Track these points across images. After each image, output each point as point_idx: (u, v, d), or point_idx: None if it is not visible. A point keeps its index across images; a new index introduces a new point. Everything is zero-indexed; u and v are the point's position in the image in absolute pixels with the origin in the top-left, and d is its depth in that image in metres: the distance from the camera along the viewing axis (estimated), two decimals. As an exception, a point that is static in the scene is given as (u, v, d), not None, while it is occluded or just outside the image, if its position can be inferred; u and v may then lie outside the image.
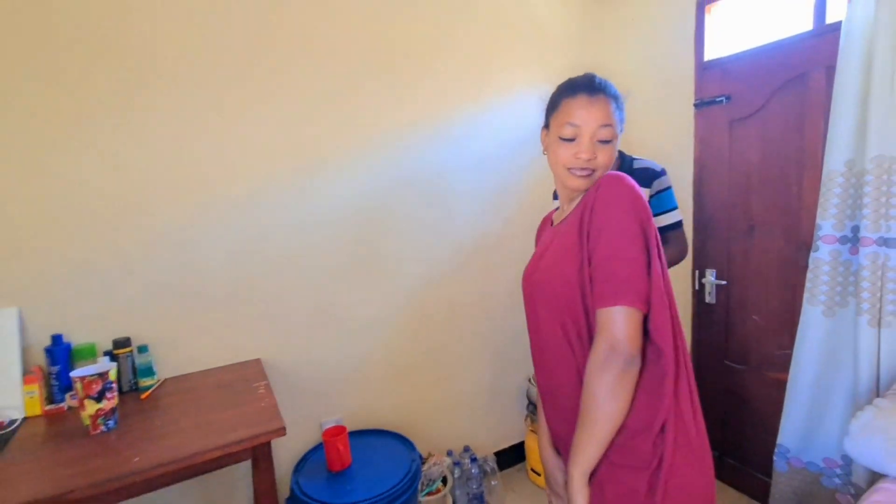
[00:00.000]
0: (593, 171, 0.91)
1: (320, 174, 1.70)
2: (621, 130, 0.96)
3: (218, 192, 1.55)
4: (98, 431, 1.15)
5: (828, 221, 1.46)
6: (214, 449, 1.04)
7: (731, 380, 1.98)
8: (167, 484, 1.04)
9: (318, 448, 1.70)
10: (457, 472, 1.96)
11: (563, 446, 0.95)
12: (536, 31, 2.15)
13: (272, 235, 1.65)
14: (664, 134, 2.11)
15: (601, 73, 2.52)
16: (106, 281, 1.42)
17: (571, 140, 0.91)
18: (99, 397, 1.14)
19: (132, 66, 1.41)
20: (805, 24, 1.62)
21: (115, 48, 1.38)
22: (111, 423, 1.17)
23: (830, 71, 1.52)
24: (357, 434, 1.76)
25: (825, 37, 1.55)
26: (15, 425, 1.22)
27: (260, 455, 1.13)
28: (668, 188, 1.62)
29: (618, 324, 0.78)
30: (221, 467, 1.09)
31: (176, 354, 1.52)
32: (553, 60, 2.21)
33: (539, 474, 2.13)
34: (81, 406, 1.14)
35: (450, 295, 2.02)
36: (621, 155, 1.44)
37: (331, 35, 1.68)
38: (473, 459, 2.00)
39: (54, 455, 1.07)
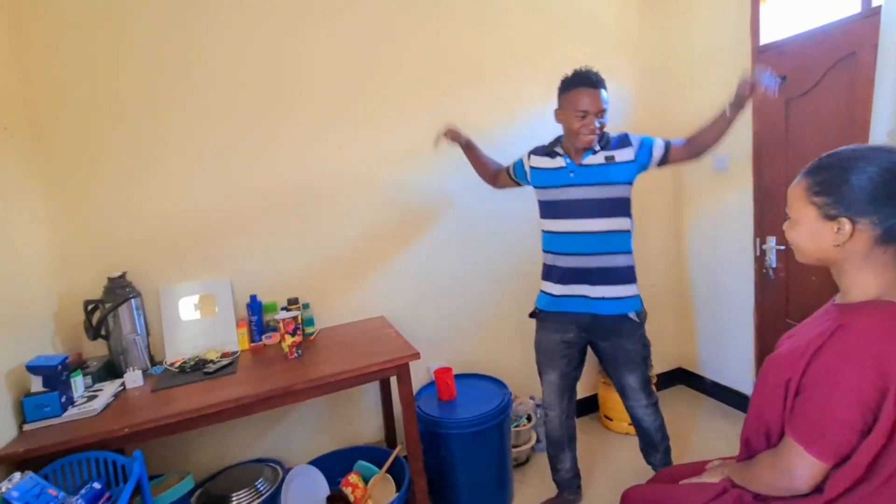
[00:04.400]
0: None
1: (423, 171, 2.15)
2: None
3: (351, 189, 2.05)
4: (293, 357, 1.69)
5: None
6: (374, 364, 1.53)
7: (793, 337, 2.16)
8: (341, 388, 1.54)
9: (430, 385, 2.17)
10: (539, 413, 2.35)
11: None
12: (595, 33, 2.41)
13: (388, 221, 2.12)
14: (723, 114, 2.30)
15: (663, 64, 2.76)
16: (281, 258, 1.97)
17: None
18: (293, 333, 1.68)
19: (288, 98, 1.93)
20: (854, 6, 1.77)
21: (274, 84, 1.91)
22: (300, 351, 1.70)
23: (877, 49, 1.67)
24: (459, 376, 2.21)
25: (872, 18, 1.70)
26: (236, 355, 1.79)
27: (402, 372, 1.60)
28: (643, 136, 1.73)
29: (803, 470, 0.83)
30: (377, 379, 1.58)
31: (326, 311, 2.06)
32: (618, 55, 2.47)
33: (611, 420, 2.46)
34: (283, 338, 1.69)
35: (531, 258, 2.40)
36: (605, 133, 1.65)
37: (428, 50, 2.11)
38: (539, 406, 2.38)
39: (270, 370, 1.61)
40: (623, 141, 1.63)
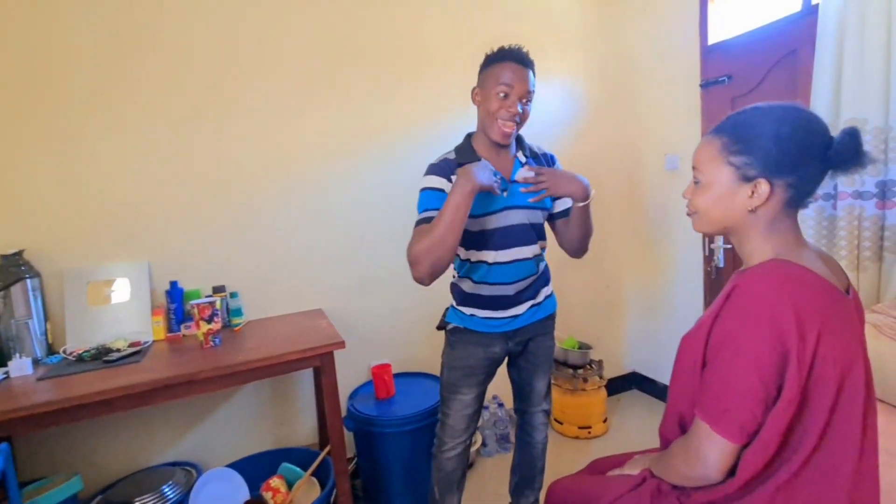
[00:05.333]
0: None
1: (368, 159, 2.05)
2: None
3: (289, 174, 1.93)
4: (209, 346, 1.54)
5: (811, 181, 1.63)
6: (293, 352, 1.41)
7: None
8: (260, 378, 1.41)
9: (367, 384, 2.05)
10: (486, 415, 2.25)
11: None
12: (554, 26, 2.40)
13: (331, 209, 2.01)
14: (674, 113, 2.31)
15: (618, 61, 2.77)
16: (209, 242, 1.83)
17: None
18: (209, 319, 1.54)
19: (238, 80, 1.82)
20: (794, 5, 1.79)
21: (226, 65, 1.80)
22: (217, 340, 1.56)
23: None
24: (401, 375, 2.10)
25: (812, 17, 1.72)
26: (147, 344, 1.64)
27: (325, 362, 1.48)
28: None
29: (712, 452, 0.75)
30: (297, 370, 1.45)
31: (258, 301, 1.92)
32: (573, 52, 2.46)
33: (561, 423, 2.38)
34: (197, 326, 1.54)
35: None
36: (519, 138, 1.40)
37: (372, 40, 2.04)
38: (501, 405, 2.29)
39: (180, 359, 1.46)
40: (552, 161, 1.45)
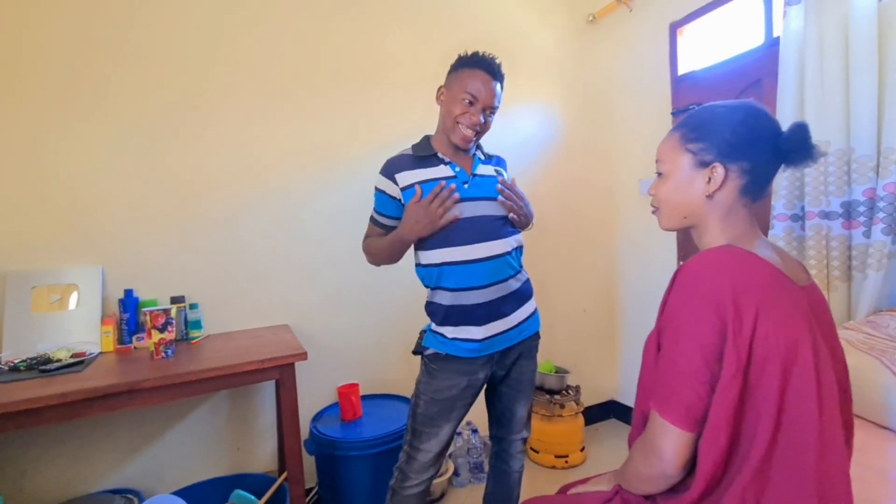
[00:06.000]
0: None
1: (341, 171, 2.03)
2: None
3: (259, 183, 1.89)
4: (160, 357, 1.44)
5: (779, 202, 1.67)
6: (250, 362, 1.31)
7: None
8: (213, 390, 1.31)
9: (333, 406, 1.94)
10: (459, 441, 2.15)
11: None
12: (531, 51, 2.46)
13: (302, 221, 1.96)
14: (648, 139, 2.36)
15: (593, 90, 2.83)
16: (169, 249, 1.75)
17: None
18: (162, 328, 1.44)
19: (210, 87, 1.79)
20: (758, 39, 1.88)
21: (198, 71, 1.77)
22: (170, 351, 1.46)
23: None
24: (369, 396, 1.99)
25: (774, 49, 1.80)
26: (93, 355, 1.52)
27: (285, 375, 1.38)
28: None
29: (665, 442, 0.72)
30: (253, 382, 1.35)
31: (220, 314, 1.82)
32: (549, 78, 2.52)
33: (537, 452, 2.28)
34: (149, 335, 1.44)
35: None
36: (479, 144, 1.39)
37: (352, 52, 2.05)
38: (475, 431, 2.19)
39: (125, 369, 1.36)
40: (501, 163, 1.45)
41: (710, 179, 0.80)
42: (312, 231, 1.98)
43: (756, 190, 0.80)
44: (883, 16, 1.43)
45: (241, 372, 1.32)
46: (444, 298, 1.28)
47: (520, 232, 1.38)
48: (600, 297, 2.69)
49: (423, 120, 2.15)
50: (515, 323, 1.32)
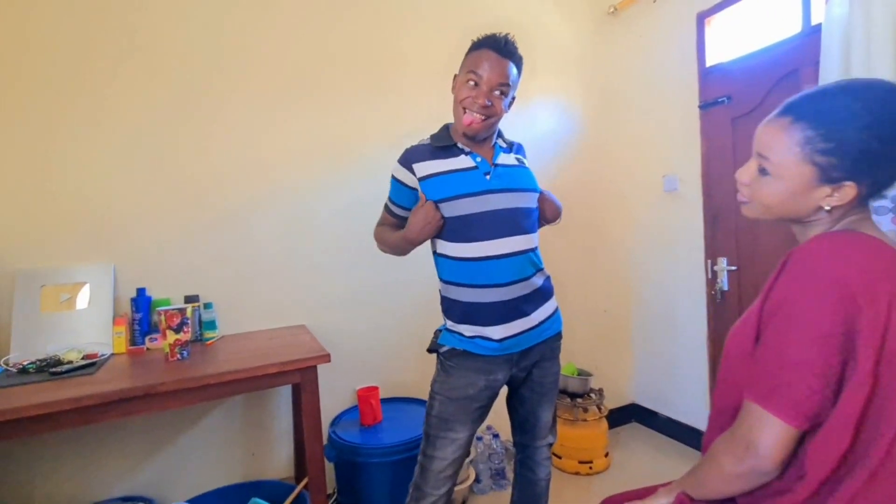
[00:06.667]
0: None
1: (356, 167, 1.96)
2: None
3: (271, 180, 1.82)
4: (175, 358, 1.37)
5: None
6: (270, 365, 1.24)
7: (747, 364, 2.04)
8: (232, 393, 1.25)
9: (351, 409, 1.86)
10: (480, 447, 2.07)
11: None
12: (549, 44, 2.39)
13: (315, 219, 1.89)
14: (672, 134, 2.29)
15: (615, 83, 2.74)
16: (183, 247, 1.68)
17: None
18: (178, 329, 1.37)
19: (221, 82, 1.73)
20: (794, 27, 1.80)
21: (208, 66, 1.71)
22: (185, 353, 1.39)
23: (818, 66, 1.68)
24: (389, 400, 1.92)
25: (812, 37, 1.73)
26: (105, 357, 1.45)
27: (307, 379, 1.31)
28: None
29: (764, 436, 0.65)
30: (274, 386, 1.28)
31: (234, 314, 1.75)
32: (569, 72, 2.45)
33: (560, 457, 2.20)
34: (164, 336, 1.37)
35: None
36: (500, 132, 1.31)
37: (364, 49, 1.98)
38: (496, 436, 2.11)
39: (139, 372, 1.29)
40: (521, 149, 1.36)
41: (833, 194, 0.69)
42: (327, 229, 1.91)
43: (880, 192, 0.71)
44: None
45: (262, 375, 1.25)
46: (462, 295, 1.21)
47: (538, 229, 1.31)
48: (621, 297, 2.61)
49: (439, 113, 2.09)
50: (537, 322, 1.24)
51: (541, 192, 1.29)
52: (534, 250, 1.25)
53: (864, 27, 1.47)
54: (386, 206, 1.35)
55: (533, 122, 2.34)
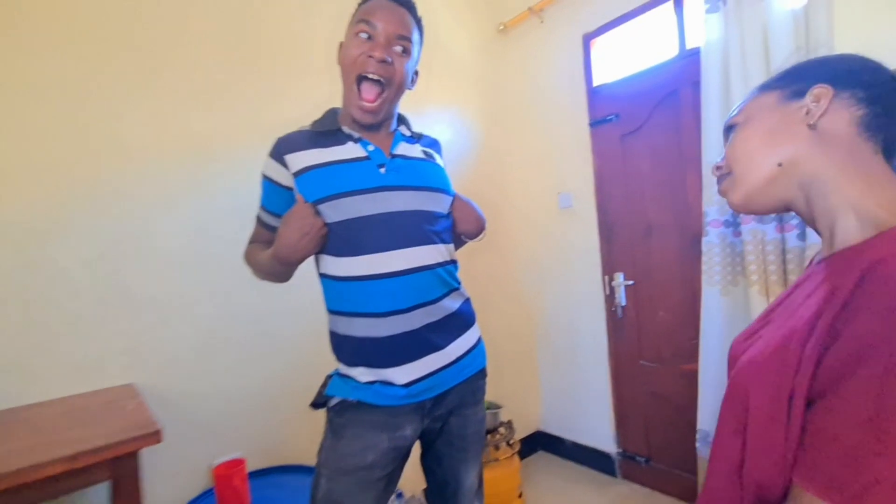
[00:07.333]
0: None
1: (217, 168, 1.54)
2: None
3: (89, 183, 1.32)
4: None
5: (713, 207, 1.62)
6: (56, 461, 0.77)
7: (649, 379, 2.03)
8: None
9: (207, 494, 1.38)
10: (380, 512, 1.71)
11: None
12: (444, 53, 2.26)
13: (157, 236, 1.42)
14: (566, 151, 2.28)
15: (508, 100, 2.65)
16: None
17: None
18: None
19: None
20: (672, 50, 1.89)
21: None
22: None
23: (695, 86, 1.77)
24: (259, 474, 1.48)
25: (688, 59, 1.82)
26: None
27: (123, 474, 0.86)
28: None
29: None
30: (69, 491, 0.81)
31: (16, 378, 1.19)
32: (465, 91, 2.34)
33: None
34: None
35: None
36: (402, 117, 1.08)
37: (220, 25, 1.61)
38: (399, 496, 1.77)
39: None
40: (435, 144, 1.14)
41: (807, 108, 0.56)
42: (173, 250, 1.44)
43: (885, 131, 0.54)
44: (799, 21, 1.47)
45: (41, 479, 0.77)
46: (353, 328, 0.92)
47: (453, 242, 1.07)
48: (520, 317, 2.50)
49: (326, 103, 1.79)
50: (454, 357, 0.98)
51: (455, 196, 1.06)
52: (445, 265, 0.99)
53: (739, 47, 1.55)
54: (258, 218, 1.04)
55: (428, 131, 2.14)
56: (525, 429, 2.46)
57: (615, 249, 2.12)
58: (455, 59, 2.33)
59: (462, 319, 1.01)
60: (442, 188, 1.01)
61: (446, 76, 2.28)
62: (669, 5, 1.86)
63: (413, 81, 1.00)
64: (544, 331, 2.47)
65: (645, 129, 1.99)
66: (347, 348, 0.93)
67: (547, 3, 2.24)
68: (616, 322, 2.13)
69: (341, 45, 0.96)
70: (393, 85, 0.93)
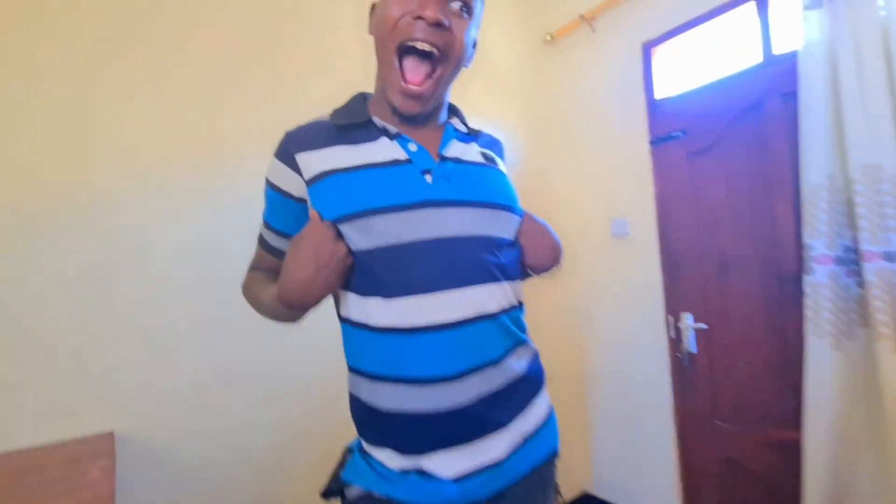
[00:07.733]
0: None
1: (226, 177, 1.34)
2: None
3: (62, 184, 1.13)
4: None
5: (818, 240, 1.33)
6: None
7: (726, 443, 1.69)
8: None
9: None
10: None
11: None
12: (489, 67, 2.09)
13: (152, 253, 1.22)
14: (622, 172, 2.02)
15: (557, 117, 2.40)
16: None
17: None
18: None
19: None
20: (755, 57, 1.63)
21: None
22: None
23: (786, 97, 1.50)
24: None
25: (776, 66, 1.55)
26: None
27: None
28: None
29: None
30: None
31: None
32: (508, 105, 2.14)
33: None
34: None
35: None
36: (454, 108, 0.83)
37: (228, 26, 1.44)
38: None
39: None
40: (496, 145, 0.88)
41: None
42: (171, 272, 1.24)
43: None
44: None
45: None
46: (381, 397, 0.67)
47: (520, 276, 0.81)
48: (570, 362, 2.19)
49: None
50: (520, 439, 0.70)
51: (525, 215, 0.81)
52: (511, 311, 0.73)
53: (852, 47, 1.28)
54: (260, 238, 0.79)
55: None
56: (570, 489, 2.12)
57: (682, 286, 1.82)
58: (497, 72, 2.14)
59: (530, 384, 0.74)
60: (509, 205, 0.76)
61: (487, 90, 2.09)
62: (750, 6, 1.62)
63: (473, 54, 0.76)
64: (594, 376, 2.15)
65: (718, 148, 1.71)
66: (371, 423, 0.67)
67: (600, 11, 2.03)
68: (683, 372, 1.81)
69: (373, 6, 0.73)
70: (450, 60, 0.68)
